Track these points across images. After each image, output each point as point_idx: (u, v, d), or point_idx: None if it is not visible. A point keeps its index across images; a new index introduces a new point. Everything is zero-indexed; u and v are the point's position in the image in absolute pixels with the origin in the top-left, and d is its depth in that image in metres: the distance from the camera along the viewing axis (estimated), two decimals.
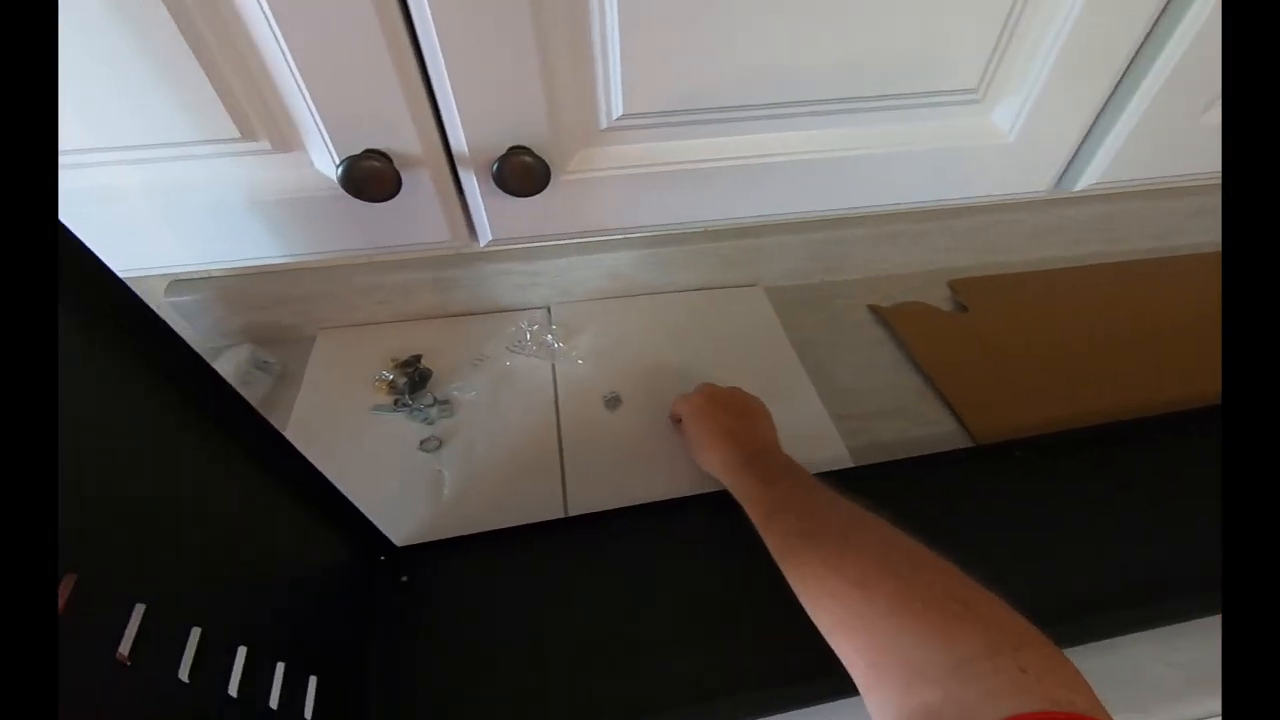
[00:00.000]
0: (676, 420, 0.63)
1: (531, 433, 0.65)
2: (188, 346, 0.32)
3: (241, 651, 0.32)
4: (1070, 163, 0.38)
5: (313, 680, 0.38)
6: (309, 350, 0.73)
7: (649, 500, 0.58)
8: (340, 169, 0.29)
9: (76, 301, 0.27)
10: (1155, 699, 0.48)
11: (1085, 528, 0.56)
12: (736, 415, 0.58)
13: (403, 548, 0.54)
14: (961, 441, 0.66)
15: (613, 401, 0.68)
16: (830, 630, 0.36)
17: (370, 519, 0.50)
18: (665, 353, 0.74)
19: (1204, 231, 0.91)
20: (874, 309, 0.81)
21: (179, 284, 0.70)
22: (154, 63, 0.27)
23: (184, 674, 0.28)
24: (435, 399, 0.67)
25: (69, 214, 0.30)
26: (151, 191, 0.31)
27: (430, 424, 0.65)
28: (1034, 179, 0.39)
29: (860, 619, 0.34)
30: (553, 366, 0.72)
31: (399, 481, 0.60)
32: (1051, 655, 0.29)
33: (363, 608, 0.50)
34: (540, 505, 0.59)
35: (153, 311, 0.30)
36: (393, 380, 0.68)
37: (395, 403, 0.66)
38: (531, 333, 0.72)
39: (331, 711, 0.38)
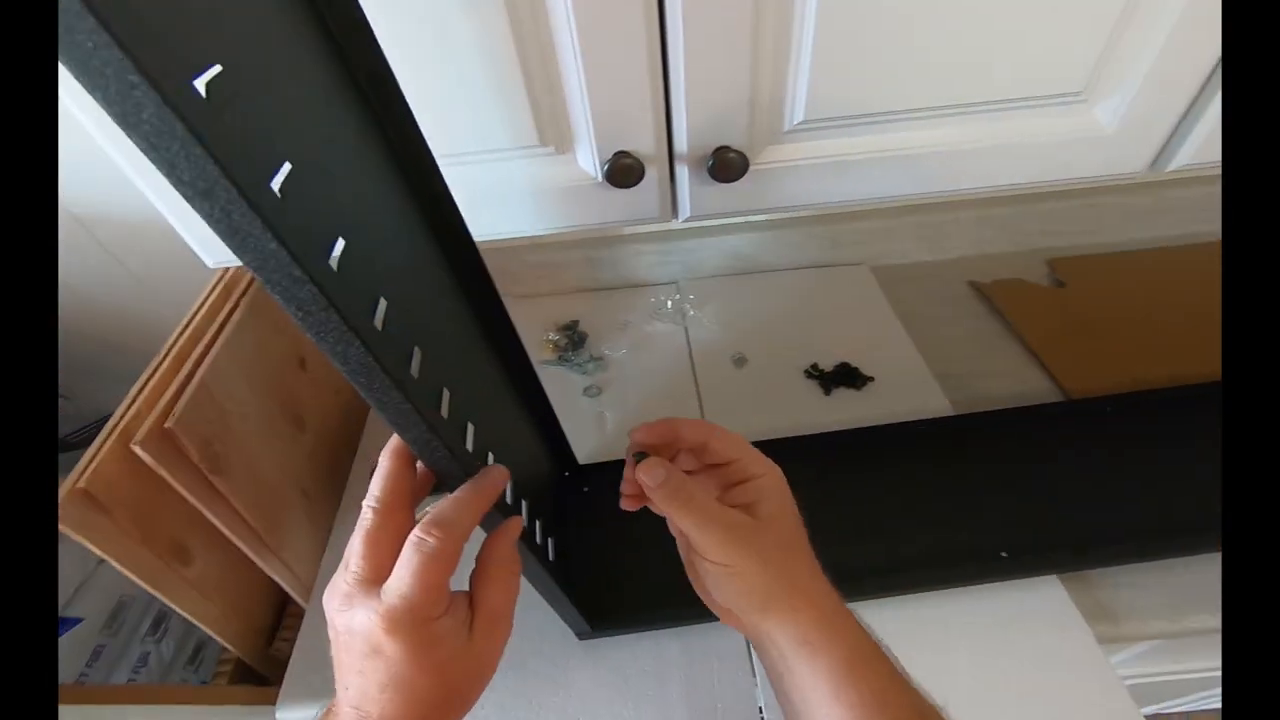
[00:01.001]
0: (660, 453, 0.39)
1: (674, 383, 0.78)
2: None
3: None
4: (1164, 147, 0.46)
5: (538, 522, 0.51)
6: None
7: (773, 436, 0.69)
8: (606, 165, 0.42)
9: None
10: None
11: (1171, 466, 0.62)
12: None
13: (583, 465, 0.67)
14: (1055, 397, 0.73)
15: (740, 361, 0.79)
16: None
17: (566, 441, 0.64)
18: (782, 322, 0.84)
19: None
20: (975, 285, 0.88)
21: None
22: (495, 84, 0.40)
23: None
24: (591, 356, 0.80)
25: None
26: (469, 184, 0.44)
27: (589, 375, 0.78)
28: (1131, 162, 0.46)
29: None
30: (685, 330, 0.84)
31: (570, 420, 0.73)
32: None
33: (565, 510, 0.64)
34: None
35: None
36: (557, 340, 0.81)
37: (559, 358, 0.80)
38: (673, 302, 0.84)
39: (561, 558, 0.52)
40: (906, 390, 0.73)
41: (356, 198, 0.30)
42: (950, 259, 0.93)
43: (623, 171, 0.42)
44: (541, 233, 0.48)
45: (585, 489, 0.66)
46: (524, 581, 0.37)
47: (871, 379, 0.76)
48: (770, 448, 0.66)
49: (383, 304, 0.26)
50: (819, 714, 0.31)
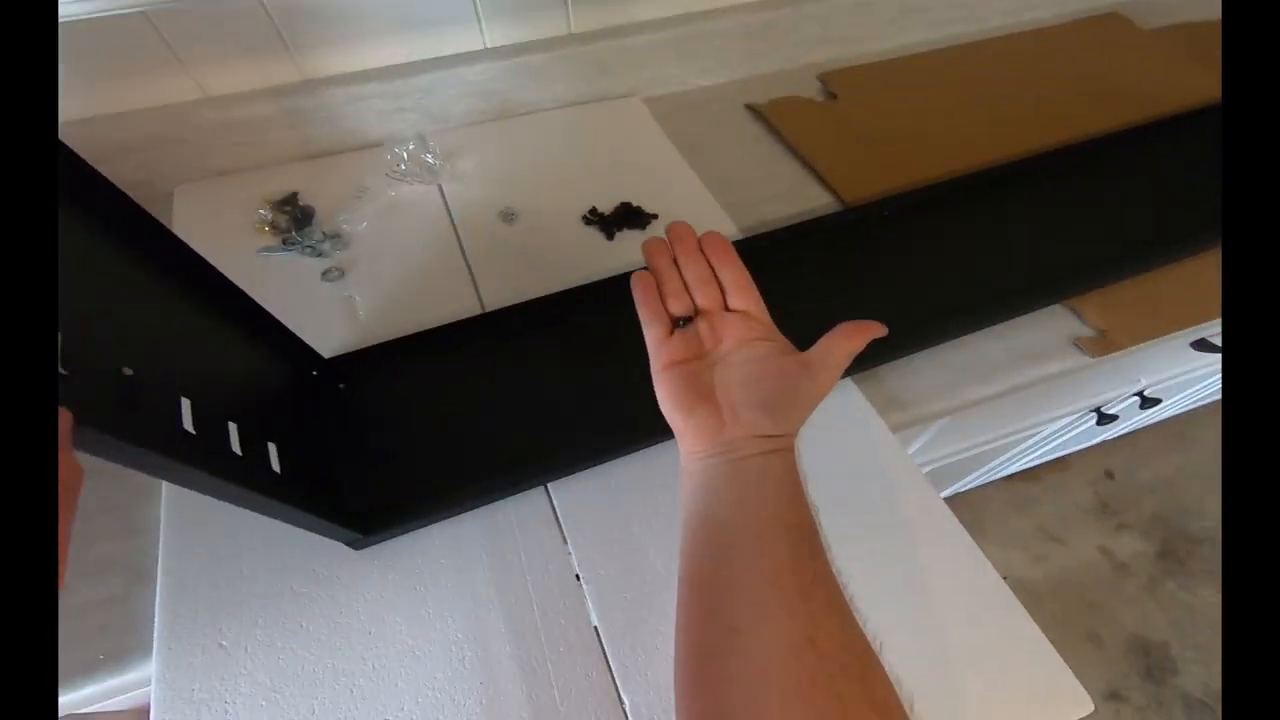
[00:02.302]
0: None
1: (434, 252, 0.71)
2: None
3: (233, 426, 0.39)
4: None
5: (272, 445, 0.45)
6: (169, 210, 0.74)
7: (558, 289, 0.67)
8: None
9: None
10: (993, 371, 0.64)
11: (944, 258, 0.70)
12: None
13: (332, 359, 0.60)
14: (837, 209, 0.78)
15: (509, 215, 0.75)
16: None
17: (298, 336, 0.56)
18: (553, 168, 0.80)
19: (1054, 4, 1.06)
20: (750, 107, 0.90)
21: None
22: None
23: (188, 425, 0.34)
24: (325, 234, 0.70)
25: None
26: None
27: (327, 257, 0.69)
28: None
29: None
30: (440, 189, 0.76)
31: (313, 311, 0.65)
32: None
33: (315, 414, 0.57)
34: (458, 310, 0.66)
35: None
36: (274, 220, 0.70)
37: (284, 241, 0.69)
38: (408, 153, 0.76)
39: (296, 471, 0.46)
40: (692, 222, 0.73)
41: None
42: (723, 82, 0.94)
43: None
44: None
45: (342, 385, 0.59)
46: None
47: (655, 216, 0.75)
48: (554, 302, 0.66)
49: None
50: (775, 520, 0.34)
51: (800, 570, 0.32)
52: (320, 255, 0.69)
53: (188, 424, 0.36)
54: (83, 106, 0.69)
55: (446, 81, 0.79)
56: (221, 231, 0.71)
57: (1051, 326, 0.67)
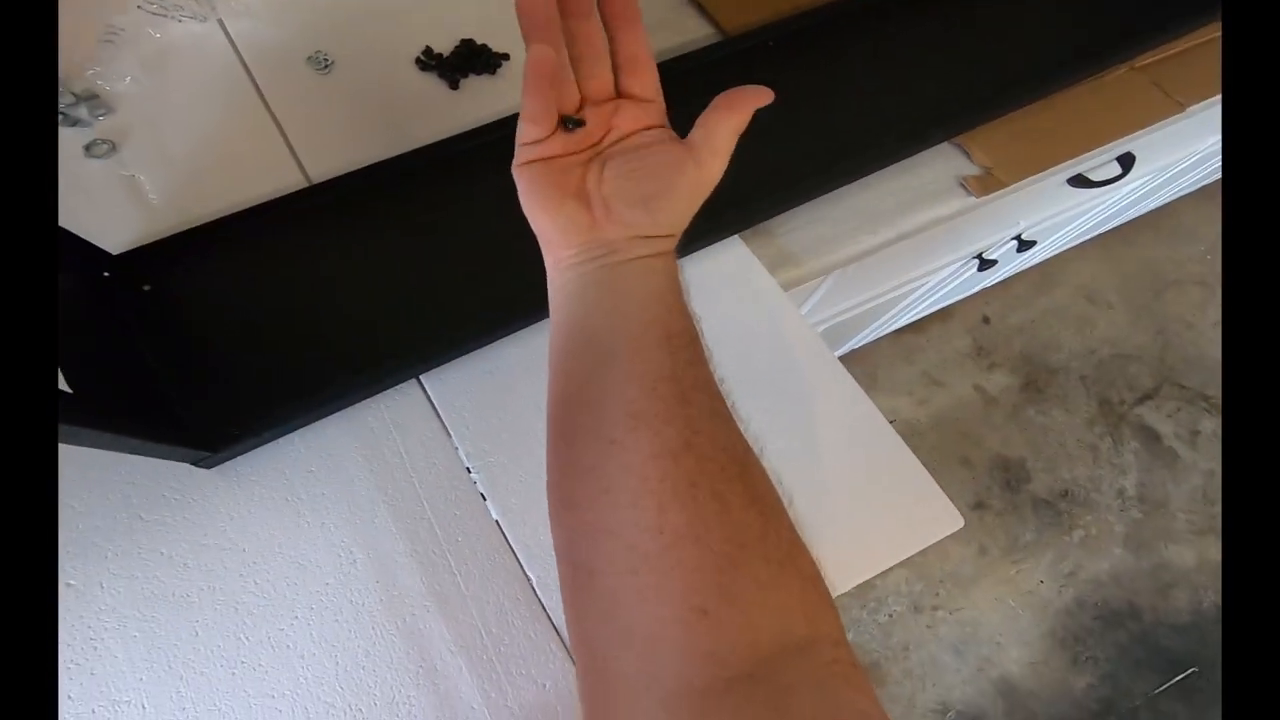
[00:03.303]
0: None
1: (231, 111, 0.61)
2: None
3: None
4: None
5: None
6: None
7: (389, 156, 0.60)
8: None
9: None
10: (882, 219, 0.66)
11: (831, 96, 0.69)
12: None
13: (125, 254, 0.52)
14: (716, 40, 0.75)
15: (321, 62, 0.65)
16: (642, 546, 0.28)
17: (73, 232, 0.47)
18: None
19: None
20: None
21: None
22: None
23: None
24: (76, 96, 0.58)
25: None
26: None
27: (85, 125, 0.58)
28: None
29: (711, 554, 0.28)
30: (222, 25, 0.65)
31: (84, 197, 0.56)
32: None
33: (116, 323, 0.50)
34: (278, 187, 0.58)
35: None
36: None
37: None
38: None
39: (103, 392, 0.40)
40: None
41: None
42: None
43: None
44: None
45: (146, 287, 0.52)
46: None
47: (506, 56, 0.68)
48: (385, 171, 0.58)
49: None
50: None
51: (680, 378, 0.31)
52: (76, 124, 0.58)
53: None
54: None
55: None
56: None
57: (937, 166, 0.69)
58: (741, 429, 0.32)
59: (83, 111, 0.58)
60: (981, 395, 1.74)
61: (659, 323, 0.33)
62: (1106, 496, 1.62)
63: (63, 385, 0.38)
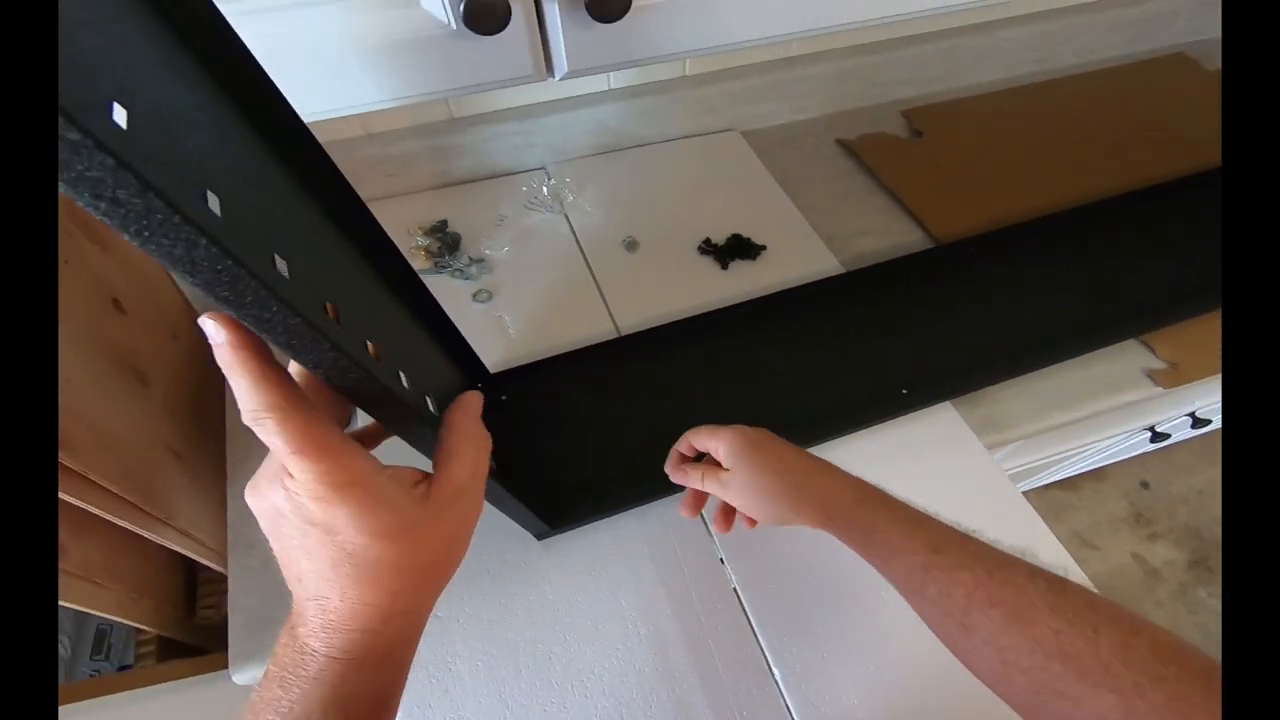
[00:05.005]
0: (689, 458, 0.57)
1: (568, 277, 0.82)
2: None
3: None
4: None
5: None
6: None
7: (681, 317, 0.78)
8: (461, 3, 0.39)
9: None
10: (1076, 399, 0.75)
11: (1030, 293, 0.81)
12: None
13: (495, 374, 0.71)
14: (927, 245, 0.89)
15: (631, 244, 0.86)
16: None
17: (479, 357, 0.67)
18: (665, 198, 0.91)
19: (1124, 44, 1.16)
20: (842, 142, 1.01)
21: None
22: None
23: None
24: (471, 258, 0.81)
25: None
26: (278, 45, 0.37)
27: (474, 280, 0.80)
28: None
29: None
30: (567, 218, 0.87)
31: (467, 330, 0.76)
32: None
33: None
34: (596, 332, 0.77)
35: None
36: (427, 245, 0.81)
37: (436, 265, 0.80)
38: (547, 188, 0.87)
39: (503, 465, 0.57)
40: (798, 255, 0.85)
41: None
42: (812, 118, 1.04)
43: (483, 11, 0.39)
44: (384, 105, 0.45)
45: (503, 397, 0.70)
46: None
47: (764, 247, 0.86)
48: (677, 329, 0.77)
49: (213, 197, 0.23)
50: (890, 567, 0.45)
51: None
52: (468, 279, 0.80)
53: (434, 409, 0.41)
54: None
55: (574, 121, 0.90)
56: None
57: (1124, 359, 0.78)
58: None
59: (473, 270, 0.81)
60: (1141, 566, 1.63)
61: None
62: None
63: None
